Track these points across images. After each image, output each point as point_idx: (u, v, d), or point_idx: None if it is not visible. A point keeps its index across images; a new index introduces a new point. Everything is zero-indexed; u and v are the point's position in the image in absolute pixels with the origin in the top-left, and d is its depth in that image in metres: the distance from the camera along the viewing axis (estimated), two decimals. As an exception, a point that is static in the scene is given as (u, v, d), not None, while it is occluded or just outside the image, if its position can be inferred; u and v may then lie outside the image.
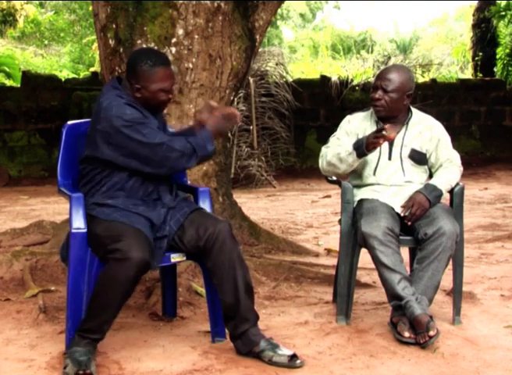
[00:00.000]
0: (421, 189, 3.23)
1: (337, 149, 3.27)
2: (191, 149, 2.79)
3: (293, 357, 2.72)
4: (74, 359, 2.58)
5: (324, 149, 3.39)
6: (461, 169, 3.38)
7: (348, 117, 3.46)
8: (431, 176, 3.39)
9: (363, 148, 3.15)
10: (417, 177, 3.34)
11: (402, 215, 3.18)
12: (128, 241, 2.62)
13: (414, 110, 3.39)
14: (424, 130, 3.35)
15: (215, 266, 2.81)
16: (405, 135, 3.32)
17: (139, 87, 2.83)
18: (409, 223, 3.17)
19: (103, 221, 2.77)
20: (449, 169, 3.33)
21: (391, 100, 3.24)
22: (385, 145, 3.29)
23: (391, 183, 3.30)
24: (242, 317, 2.80)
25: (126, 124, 2.74)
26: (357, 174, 3.37)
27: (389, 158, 3.32)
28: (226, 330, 2.90)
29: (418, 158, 3.33)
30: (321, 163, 3.37)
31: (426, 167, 3.39)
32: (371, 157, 3.30)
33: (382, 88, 3.25)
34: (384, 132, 3.05)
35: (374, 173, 3.32)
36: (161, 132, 2.86)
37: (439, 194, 3.23)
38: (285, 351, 2.75)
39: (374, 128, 3.31)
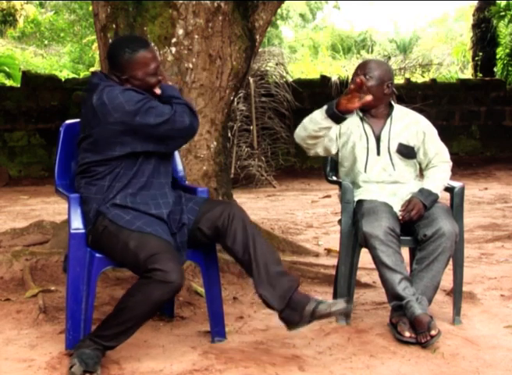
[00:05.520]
0: (417, 194, 3.21)
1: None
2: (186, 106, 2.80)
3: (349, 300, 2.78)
4: (82, 360, 2.54)
5: None
6: (450, 163, 3.38)
7: None
8: (421, 170, 3.39)
9: (333, 106, 3.04)
10: (407, 172, 3.34)
11: (400, 217, 3.18)
12: (167, 262, 2.54)
13: (395, 105, 3.41)
14: (410, 124, 3.36)
15: (235, 242, 2.76)
16: (391, 129, 3.33)
17: (127, 78, 2.80)
18: (402, 221, 3.17)
19: (126, 230, 2.67)
20: (439, 168, 3.33)
21: (372, 85, 3.23)
22: (372, 141, 3.31)
23: (382, 179, 3.30)
24: (280, 287, 2.71)
25: (137, 107, 2.68)
26: (348, 171, 3.38)
27: (378, 154, 3.32)
28: (271, 311, 2.80)
29: (406, 152, 3.33)
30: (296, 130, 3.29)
31: (415, 161, 3.38)
32: (360, 153, 3.31)
33: (363, 75, 3.22)
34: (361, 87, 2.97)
35: (365, 170, 3.32)
36: (165, 105, 2.79)
37: (435, 198, 3.23)
38: (338, 300, 2.78)
39: (359, 125, 3.33)
